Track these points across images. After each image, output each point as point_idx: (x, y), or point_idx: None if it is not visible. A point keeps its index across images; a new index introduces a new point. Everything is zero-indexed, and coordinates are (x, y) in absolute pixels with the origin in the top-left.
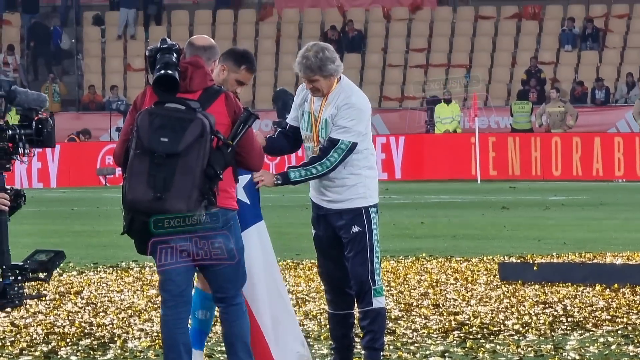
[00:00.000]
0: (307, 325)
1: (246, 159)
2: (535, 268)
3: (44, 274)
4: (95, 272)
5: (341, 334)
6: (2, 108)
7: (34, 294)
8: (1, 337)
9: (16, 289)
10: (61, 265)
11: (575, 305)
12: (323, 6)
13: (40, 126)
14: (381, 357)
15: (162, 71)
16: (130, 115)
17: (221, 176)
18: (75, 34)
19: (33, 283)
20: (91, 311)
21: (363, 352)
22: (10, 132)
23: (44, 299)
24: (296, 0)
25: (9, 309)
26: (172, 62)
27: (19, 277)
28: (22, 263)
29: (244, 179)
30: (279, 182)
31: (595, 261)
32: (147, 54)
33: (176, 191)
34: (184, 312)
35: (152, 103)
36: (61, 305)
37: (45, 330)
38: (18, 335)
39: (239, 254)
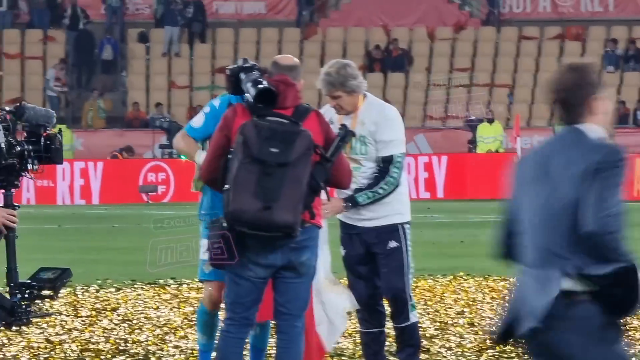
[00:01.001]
0: (341, 343)
1: (338, 177)
2: None
3: (51, 292)
4: (133, 288)
5: (373, 352)
6: (10, 124)
7: (38, 312)
8: (35, 353)
9: (24, 306)
10: (68, 282)
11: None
12: (367, 25)
13: (48, 142)
14: None
15: (262, 86)
16: (220, 134)
17: (324, 187)
18: (119, 50)
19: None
20: (127, 328)
21: None
22: (19, 148)
23: (79, 314)
24: (340, 19)
25: (16, 327)
26: (262, 79)
27: (26, 295)
28: (29, 281)
29: None
30: (349, 208)
31: None
32: (228, 73)
33: (284, 202)
34: (245, 333)
35: (245, 119)
36: (97, 321)
37: (80, 347)
38: (52, 352)
39: (313, 274)
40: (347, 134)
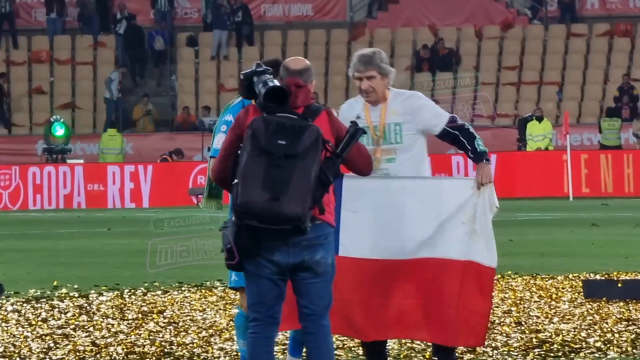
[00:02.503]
0: (388, 344)
1: (356, 163)
2: (619, 285)
3: None
4: (180, 291)
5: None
6: None
7: None
8: (81, 356)
9: None
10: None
11: None
12: (415, 25)
13: None
14: None
15: (272, 84)
16: (231, 133)
17: (333, 181)
18: (169, 54)
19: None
20: (172, 330)
21: None
22: None
23: (126, 317)
24: (388, 19)
25: None
26: (273, 80)
27: None
28: None
29: None
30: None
31: None
32: (241, 77)
33: (293, 193)
34: (273, 331)
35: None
36: (143, 324)
37: (125, 350)
38: (98, 355)
39: (333, 271)
40: (357, 131)
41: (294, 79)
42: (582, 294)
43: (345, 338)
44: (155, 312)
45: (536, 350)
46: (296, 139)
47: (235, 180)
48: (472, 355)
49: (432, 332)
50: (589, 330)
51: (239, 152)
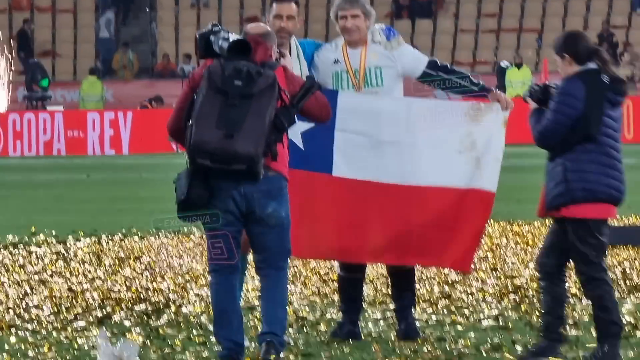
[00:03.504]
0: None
1: (315, 117)
2: None
3: None
4: (157, 237)
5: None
6: None
7: None
8: (58, 302)
9: None
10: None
11: (634, 268)
12: None
13: None
14: None
15: (235, 37)
16: (186, 87)
17: (287, 128)
18: (149, 2)
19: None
20: (149, 276)
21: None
22: None
23: (102, 263)
24: None
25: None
26: (233, 35)
27: None
28: None
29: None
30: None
31: None
32: (197, 37)
33: (247, 132)
34: (235, 279)
35: None
36: (120, 270)
37: (101, 296)
38: (74, 301)
39: (287, 222)
40: (313, 85)
41: (254, 37)
42: None
43: (321, 285)
44: (132, 258)
45: (511, 295)
46: (252, 81)
47: (190, 122)
48: (447, 302)
49: (418, 255)
50: None
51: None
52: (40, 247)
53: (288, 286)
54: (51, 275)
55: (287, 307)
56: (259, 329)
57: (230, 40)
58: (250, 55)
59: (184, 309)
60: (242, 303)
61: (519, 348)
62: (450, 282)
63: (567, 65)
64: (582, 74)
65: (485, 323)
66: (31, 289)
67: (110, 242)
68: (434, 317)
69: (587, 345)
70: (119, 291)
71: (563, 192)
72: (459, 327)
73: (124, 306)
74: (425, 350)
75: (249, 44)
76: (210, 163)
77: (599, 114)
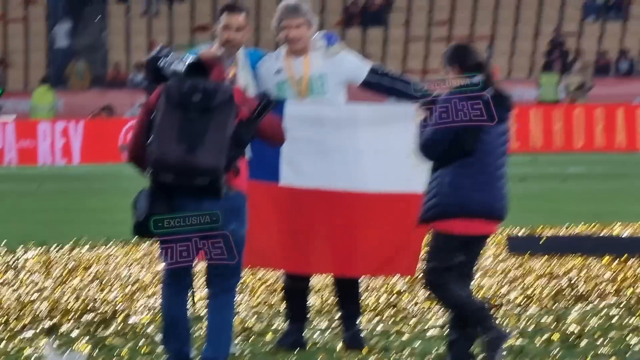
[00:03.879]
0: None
1: (269, 139)
2: (542, 240)
3: None
4: (106, 247)
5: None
6: None
7: None
8: (6, 312)
9: None
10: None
11: (580, 278)
12: None
13: None
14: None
15: (191, 59)
16: (142, 113)
17: (247, 144)
18: (100, 11)
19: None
20: (97, 286)
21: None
22: None
23: (51, 274)
24: None
25: None
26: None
27: None
28: None
29: None
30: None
31: (603, 233)
32: (146, 62)
33: (208, 145)
34: (186, 290)
35: None
36: (68, 280)
37: (49, 306)
38: (22, 311)
39: (244, 240)
40: (269, 103)
41: (207, 59)
42: (506, 249)
43: (267, 294)
44: (81, 268)
45: None
46: (210, 96)
47: (150, 139)
48: (393, 311)
49: (364, 266)
50: (510, 286)
51: (152, 116)
52: None
53: (235, 298)
54: (0, 285)
55: (232, 329)
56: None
57: (189, 60)
58: (207, 76)
59: (131, 319)
60: (189, 312)
61: None
62: (396, 292)
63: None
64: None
65: (430, 333)
66: None
67: (59, 252)
68: (379, 326)
69: (530, 355)
70: (67, 301)
71: (436, 205)
72: (405, 337)
73: (71, 316)
74: None
75: (206, 64)
76: (173, 178)
77: (476, 130)
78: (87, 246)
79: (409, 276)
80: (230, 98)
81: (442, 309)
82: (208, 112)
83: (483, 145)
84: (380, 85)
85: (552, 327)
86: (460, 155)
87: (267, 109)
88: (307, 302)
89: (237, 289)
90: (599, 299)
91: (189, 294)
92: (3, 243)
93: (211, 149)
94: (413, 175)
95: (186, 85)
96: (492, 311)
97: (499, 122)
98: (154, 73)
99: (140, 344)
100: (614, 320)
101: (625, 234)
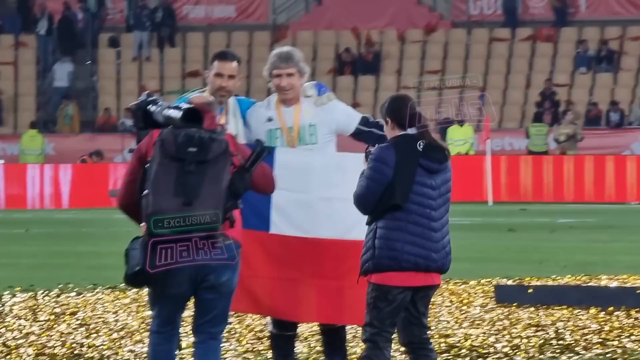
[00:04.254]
0: (296, 347)
1: (260, 188)
2: (530, 290)
3: None
4: (93, 293)
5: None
6: None
7: None
8: None
9: None
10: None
11: (567, 328)
12: (337, 28)
13: None
14: None
15: (185, 106)
16: (134, 159)
17: (243, 194)
18: (91, 55)
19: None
20: (84, 332)
21: None
22: None
23: (38, 319)
24: (311, 22)
25: None
26: (179, 105)
27: None
28: None
29: None
30: None
31: (590, 284)
32: (133, 109)
33: (205, 198)
34: (175, 341)
35: None
36: (55, 326)
37: (35, 351)
38: (8, 356)
39: (235, 289)
40: (263, 150)
41: (199, 105)
42: (493, 299)
43: (255, 341)
44: (67, 313)
45: (444, 355)
46: (205, 147)
47: (146, 191)
48: None
49: (352, 314)
50: (497, 336)
51: (146, 166)
52: None
53: (222, 345)
54: None
55: None
56: None
57: (184, 107)
58: (201, 123)
59: None
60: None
61: None
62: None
63: (390, 130)
64: (396, 140)
65: None
66: None
67: (46, 297)
68: None
69: None
70: (54, 347)
71: (370, 259)
72: None
73: None
74: None
75: (200, 111)
76: (170, 233)
77: (407, 183)
78: (74, 292)
79: None
80: (226, 149)
81: None
82: (204, 164)
83: (416, 198)
84: (371, 135)
85: None
86: (391, 208)
87: (261, 157)
88: (294, 350)
89: (223, 336)
90: (585, 350)
91: (176, 341)
92: None
93: (208, 202)
94: None
95: (181, 136)
96: None
97: (433, 174)
98: (143, 119)
99: None
100: None
101: (613, 285)
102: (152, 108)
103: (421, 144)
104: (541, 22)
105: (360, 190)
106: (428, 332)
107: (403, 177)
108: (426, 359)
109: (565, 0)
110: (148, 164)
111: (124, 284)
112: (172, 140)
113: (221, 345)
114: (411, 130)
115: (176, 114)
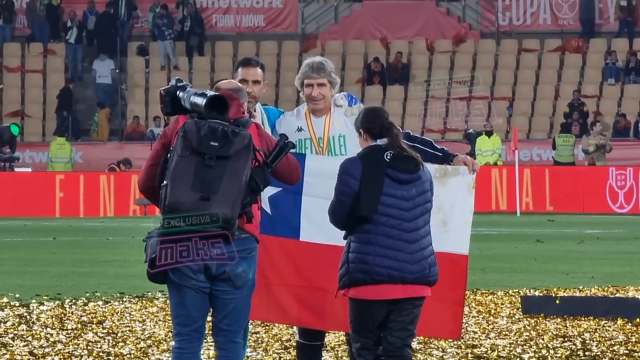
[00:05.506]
0: (323, 357)
1: (285, 179)
2: (557, 301)
3: None
4: (121, 301)
5: None
6: None
7: None
8: None
9: None
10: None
11: (594, 339)
12: (366, 38)
13: None
14: None
15: (210, 93)
16: (158, 143)
17: (263, 189)
18: (119, 63)
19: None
20: (111, 341)
21: None
22: None
23: (65, 327)
24: (340, 32)
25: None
26: (206, 91)
27: None
28: None
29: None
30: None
31: (617, 295)
32: (162, 94)
33: (223, 194)
34: (199, 346)
35: None
36: (82, 334)
37: None
38: None
39: (252, 285)
40: (287, 145)
41: (227, 92)
42: (520, 309)
43: (283, 351)
44: (94, 322)
45: None
46: (228, 142)
47: (164, 182)
48: None
49: None
50: (524, 346)
51: (168, 155)
52: (3, 310)
53: (248, 354)
54: (12, 339)
55: None
56: None
57: (207, 95)
58: (226, 112)
59: None
60: None
61: None
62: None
63: (363, 141)
64: (364, 151)
65: None
66: None
67: (73, 305)
68: None
69: None
70: (80, 355)
71: (346, 274)
72: None
73: None
74: None
75: (226, 100)
76: (185, 226)
77: (373, 194)
78: (101, 301)
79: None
80: (248, 144)
81: None
82: (224, 159)
83: (384, 209)
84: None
85: None
86: (360, 221)
87: (284, 152)
88: None
89: (245, 338)
90: None
91: (200, 346)
92: (16, 296)
93: (226, 198)
94: (434, 234)
95: (204, 128)
96: None
97: (404, 184)
98: (171, 105)
99: None
100: None
101: None
102: (180, 94)
103: (388, 154)
104: (570, 33)
105: (331, 205)
106: (407, 349)
107: (369, 189)
108: None
109: (594, 11)
110: (170, 153)
111: (150, 293)
112: (195, 133)
113: (243, 354)
114: (381, 142)
115: (201, 101)
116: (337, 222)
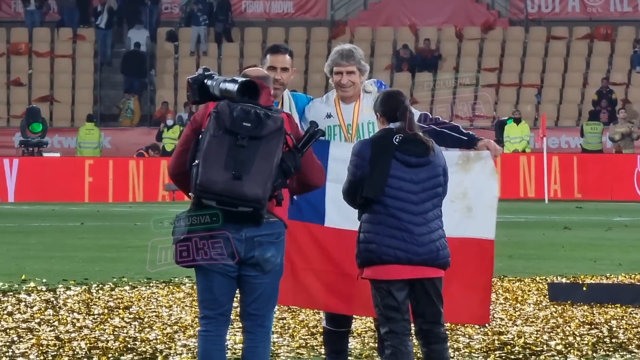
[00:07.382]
0: (350, 343)
1: (308, 174)
2: (584, 288)
3: None
4: (148, 287)
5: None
6: None
7: None
8: (44, 351)
9: None
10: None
11: (621, 327)
12: (395, 25)
13: None
14: None
15: (244, 79)
16: (188, 129)
17: (294, 173)
18: (149, 49)
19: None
20: (137, 326)
21: None
22: None
23: (91, 312)
24: (369, 18)
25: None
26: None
27: None
28: None
29: None
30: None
31: None
32: (190, 81)
33: (255, 174)
34: (225, 330)
35: None
36: (108, 319)
37: (88, 345)
38: (61, 350)
39: (280, 271)
40: (317, 132)
41: (258, 80)
42: (547, 296)
43: (309, 337)
44: (121, 307)
45: (497, 352)
46: (261, 123)
47: (196, 162)
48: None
49: None
50: (551, 333)
51: (200, 137)
52: (30, 294)
53: (274, 340)
54: (39, 323)
55: None
56: None
57: (239, 81)
58: (257, 98)
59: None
60: (228, 354)
61: None
62: None
63: (380, 124)
64: (376, 135)
65: None
66: (18, 337)
67: (100, 291)
68: None
69: None
70: (107, 340)
71: (359, 253)
72: None
73: (110, 356)
74: None
75: (258, 85)
76: (216, 204)
77: (381, 176)
78: (127, 286)
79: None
80: (281, 127)
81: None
82: (257, 140)
83: (392, 191)
84: (429, 132)
85: None
86: (368, 202)
87: (314, 138)
88: (348, 346)
89: (273, 325)
90: (638, 348)
91: (226, 331)
92: (43, 281)
93: (257, 179)
94: (459, 220)
95: (237, 110)
96: None
97: (413, 168)
98: (199, 93)
99: None
100: None
101: None
102: (208, 82)
103: (398, 137)
104: (598, 20)
105: (344, 186)
106: (438, 327)
107: (376, 171)
108: (434, 353)
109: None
110: (201, 134)
111: (177, 279)
112: (228, 113)
113: (270, 338)
114: (394, 125)
115: (232, 87)
116: (351, 202)
